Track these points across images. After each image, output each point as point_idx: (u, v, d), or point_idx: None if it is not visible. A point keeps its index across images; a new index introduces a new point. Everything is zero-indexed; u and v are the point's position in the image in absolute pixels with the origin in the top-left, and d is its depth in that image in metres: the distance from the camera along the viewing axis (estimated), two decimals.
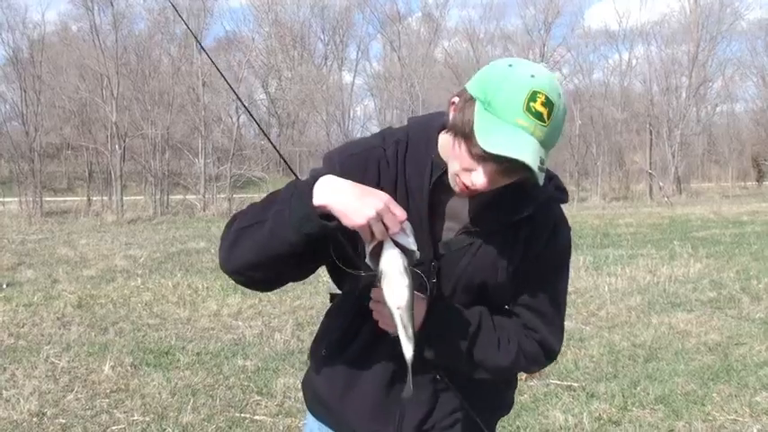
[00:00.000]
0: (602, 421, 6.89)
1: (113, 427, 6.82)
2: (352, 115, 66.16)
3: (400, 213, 2.16)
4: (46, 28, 47.21)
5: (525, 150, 2.10)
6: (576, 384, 7.95)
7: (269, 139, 3.09)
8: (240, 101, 3.14)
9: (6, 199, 38.17)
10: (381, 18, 64.38)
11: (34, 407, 7.22)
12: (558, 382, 7.99)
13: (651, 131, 57.85)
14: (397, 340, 2.24)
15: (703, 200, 51.15)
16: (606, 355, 9.12)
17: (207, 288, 13.54)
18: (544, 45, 57.66)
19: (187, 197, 41.44)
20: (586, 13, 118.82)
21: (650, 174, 56.26)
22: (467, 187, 2.28)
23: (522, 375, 8.11)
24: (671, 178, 55.56)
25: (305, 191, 2.24)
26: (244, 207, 2.52)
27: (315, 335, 2.87)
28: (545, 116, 2.12)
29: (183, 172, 45.88)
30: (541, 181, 2.14)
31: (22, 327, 10.67)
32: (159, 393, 7.68)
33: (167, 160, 42.74)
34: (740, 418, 6.90)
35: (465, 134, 2.19)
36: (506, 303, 2.64)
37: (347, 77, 75.71)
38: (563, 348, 8.04)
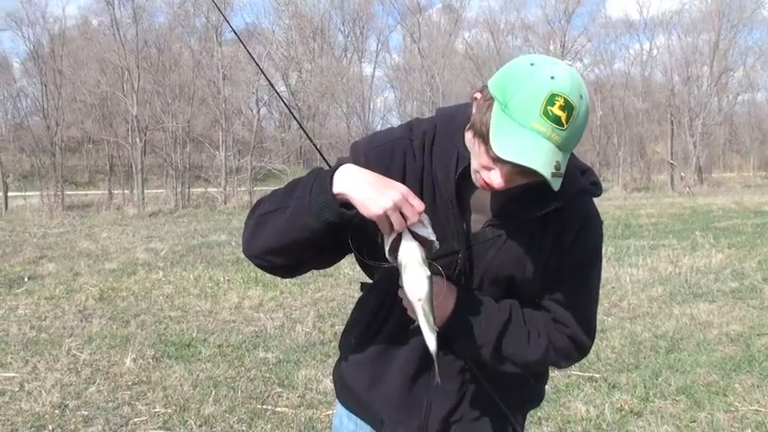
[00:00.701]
0: (623, 412, 6.87)
1: (135, 420, 6.84)
2: (372, 107, 66.08)
3: (418, 205, 2.17)
4: (66, 22, 47.37)
5: (538, 157, 2.09)
6: (597, 375, 7.94)
7: (301, 126, 3.13)
8: (273, 87, 3.19)
9: (28, 193, 38.27)
10: (401, 9, 64.21)
11: (56, 399, 7.26)
12: (580, 373, 7.97)
13: (672, 121, 57.61)
14: (419, 331, 2.24)
15: (725, 190, 50.91)
16: (628, 346, 9.10)
17: (228, 281, 13.57)
18: (565, 35, 57.52)
19: (208, 190, 41.53)
20: (607, 2, 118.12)
21: (671, 164, 56.03)
22: (487, 184, 2.27)
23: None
24: (692, 168, 55.31)
25: (326, 178, 2.25)
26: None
27: (345, 325, 2.88)
28: (563, 120, 2.09)
29: (204, 165, 45.93)
30: (556, 187, 2.11)
31: (44, 320, 10.73)
32: (181, 385, 7.70)
33: (188, 153, 42.82)
34: (762, 409, 6.86)
35: (482, 135, 2.18)
36: (535, 297, 2.61)
37: (367, 69, 75.61)
38: None
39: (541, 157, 2.09)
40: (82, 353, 8.91)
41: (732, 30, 59.81)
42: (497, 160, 2.16)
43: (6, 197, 36.57)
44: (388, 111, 68.44)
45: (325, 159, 2.60)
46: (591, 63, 61.72)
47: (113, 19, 42.90)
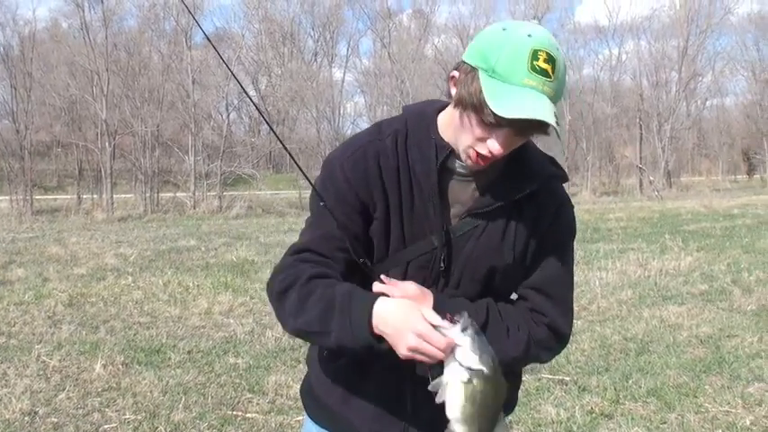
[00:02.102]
0: (594, 415, 6.90)
1: (105, 426, 6.80)
2: (342, 112, 66.03)
3: (437, 341, 2.18)
4: (37, 25, 47.04)
5: (540, 109, 2.18)
6: (567, 378, 7.96)
7: (274, 132, 3.11)
8: (245, 92, 3.16)
9: None
10: (371, 14, 64.45)
11: (26, 406, 7.20)
12: (550, 377, 7.99)
13: (641, 126, 58.00)
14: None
15: (693, 193, 51.23)
16: (598, 349, 9.14)
17: (198, 286, 13.52)
18: None
19: (177, 195, 41.36)
20: (576, 8, 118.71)
21: (640, 168, 56.37)
22: (481, 159, 2.35)
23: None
24: (661, 172, 55.64)
25: (362, 319, 2.29)
26: (282, 277, 2.52)
27: None
28: (550, 72, 2.20)
29: (174, 169, 45.80)
30: (564, 136, 2.24)
31: (14, 326, 10.64)
32: (151, 392, 7.66)
33: (157, 158, 42.66)
34: (733, 410, 6.90)
35: (474, 105, 2.25)
36: (514, 289, 2.64)
37: (337, 74, 75.61)
38: None
39: (543, 108, 2.18)
40: (51, 359, 8.84)
41: (701, 35, 60.18)
42: (496, 125, 2.24)
43: None
44: (358, 115, 68.39)
45: (299, 166, 2.61)
46: None
47: (83, 22, 42.72)
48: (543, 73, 2.18)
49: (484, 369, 2.15)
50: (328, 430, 2.75)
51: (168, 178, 43.77)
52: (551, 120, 2.17)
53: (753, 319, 10.43)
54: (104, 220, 33.35)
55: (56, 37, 49.56)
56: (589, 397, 7.33)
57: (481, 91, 2.21)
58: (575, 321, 8.12)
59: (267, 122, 3.50)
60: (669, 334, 9.77)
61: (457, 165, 2.48)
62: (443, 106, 2.56)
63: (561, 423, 6.69)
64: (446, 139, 2.46)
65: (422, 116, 2.57)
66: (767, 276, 13.55)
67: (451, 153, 2.46)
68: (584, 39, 65.11)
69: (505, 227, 2.52)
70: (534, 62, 2.18)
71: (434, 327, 2.18)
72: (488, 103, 2.18)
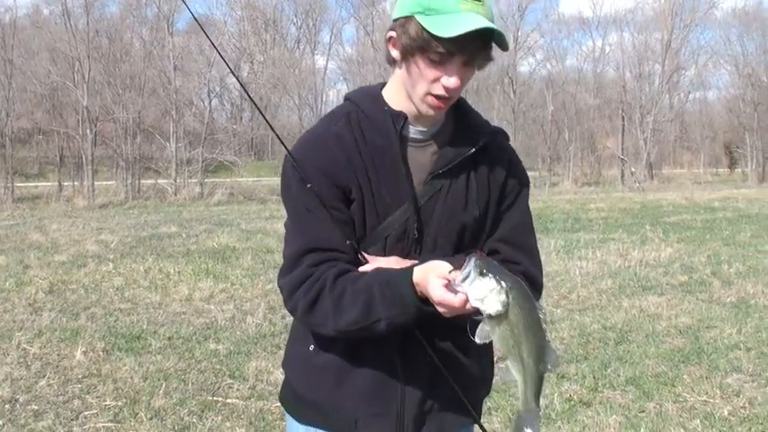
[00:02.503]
0: (572, 402, 6.93)
1: (86, 413, 6.80)
2: (324, 99, 65.92)
3: (451, 303, 2.25)
4: (18, 11, 46.79)
5: (482, 22, 2.31)
6: None
7: (264, 116, 3.11)
8: (236, 75, 3.16)
9: None
10: (355, 2, 64.28)
11: (6, 393, 7.19)
12: None
13: (623, 117, 58.13)
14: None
15: (675, 186, 51.40)
16: (577, 338, 9.18)
17: (178, 272, 13.50)
18: (518, 30, 57.48)
19: (158, 181, 41.19)
20: None
21: (622, 159, 56.53)
22: (440, 101, 2.46)
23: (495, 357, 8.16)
24: (643, 164, 55.74)
25: (408, 292, 2.36)
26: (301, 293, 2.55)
27: (290, 338, 2.87)
28: None
29: (155, 156, 45.57)
30: (511, 42, 2.31)
31: None
32: (131, 378, 7.67)
33: (139, 144, 42.48)
34: (711, 400, 6.95)
35: (421, 45, 2.38)
36: (483, 244, 2.70)
37: (320, 61, 75.50)
38: None
39: (483, 23, 2.31)
40: (32, 346, 8.82)
41: (685, 29, 60.33)
42: (445, 59, 2.37)
43: None
44: (339, 103, 68.25)
45: (288, 151, 2.63)
46: (543, 59, 62.14)
47: (65, 8, 42.43)
48: None
49: (499, 308, 2.17)
50: (318, 428, 2.74)
51: (149, 165, 43.58)
52: (494, 25, 2.33)
53: (732, 311, 10.49)
54: (85, 207, 33.21)
55: (37, 23, 49.31)
56: (568, 385, 7.37)
57: (423, 29, 2.34)
58: (554, 310, 8.21)
59: (257, 107, 3.50)
60: (648, 324, 9.82)
61: (412, 131, 2.60)
62: (383, 84, 2.72)
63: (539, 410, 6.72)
64: (398, 107, 2.58)
65: (369, 95, 2.71)
66: (746, 269, 13.63)
67: (406, 121, 2.56)
68: (567, 30, 65.53)
69: (467, 183, 2.62)
70: None
71: (449, 284, 2.22)
72: (432, 32, 2.32)
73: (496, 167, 2.69)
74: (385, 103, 2.62)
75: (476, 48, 2.37)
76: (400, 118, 2.55)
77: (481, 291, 2.15)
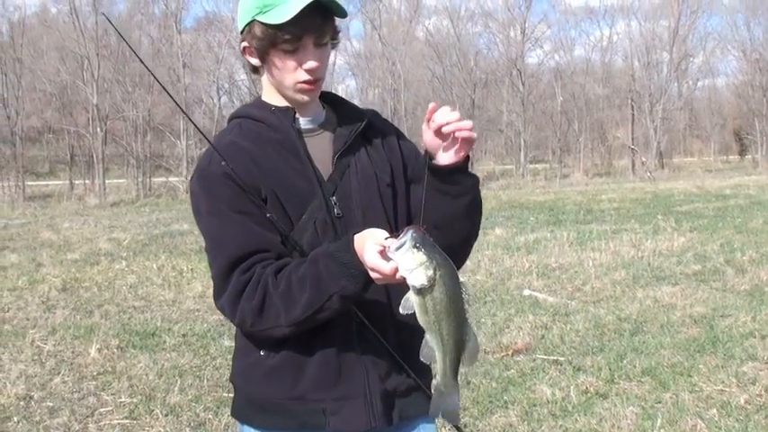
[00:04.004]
0: (589, 394, 6.91)
1: (101, 410, 6.81)
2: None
3: (384, 270, 2.29)
4: (26, 10, 46.83)
5: None
6: (562, 359, 7.98)
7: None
8: (152, 72, 3.18)
9: None
10: None
11: (21, 390, 7.21)
12: (545, 357, 8.02)
13: (633, 107, 57.90)
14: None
15: (686, 174, 51.30)
16: (592, 330, 9.15)
17: (191, 270, 13.52)
18: (525, 21, 57.29)
19: (170, 179, 41.29)
20: None
21: (632, 149, 56.33)
22: (310, 84, 2.61)
23: (508, 350, 8.16)
24: (653, 153, 55.55)
25: (352, 261, 2.39)
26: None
27: (236, 352, 2.82)
28: None
29: (165, 154, 45.73)
30: (341, 9, 2.55)
31: (7, 311, 10.66)
32: (146, 375, 7.68)
33: (149, 142, 42.61)
34: (727, 389, 6.92)
35: (270, 41, 2.54)
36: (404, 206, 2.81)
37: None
38: (549, 323, 8.01)
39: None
40: (46, 344, 8.85)
41: (692, 16, 60.08)
42: (296, 45, 2.53)
43: None
44: (349, 98, 67.29)
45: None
46: (551, 50, 61.79)
47: (73, 7, 42.48)
48: None
49: (424, 282, 2.21)
50: (279, 429, 2.69)
51: (160, 163, 43.70)
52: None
53: (746, 299, 10.45)
54: (97, 205, 33.29)
55: (45, 22, 49.37)
56: (584, 377, 7.35)
57: (265, 26, 2.51)
58: (568, 302, 8.21)
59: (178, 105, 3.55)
60: (663, 314, 9.79)
61: (302, 122, 2.72)
62: (259, 96, 2.83)
63: (556, 403, 6.71)
64: (276, 103, 2.71)
65: (251, 105, 2.86)
66: (760, 256, 13.57)
67: (295, 114, 2.69)
68: (575, 19, 65.15)
69: (368, 156, 2.76)
70: None
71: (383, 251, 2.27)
72: (272, 23, 2.48)
73: (387, 138, 2.86)
74: (270, 105, 2.73)
75: (317, 24, 2.52)
76: (289, 111, 2.69)
77: (411, 263, 2.20)
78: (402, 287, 2.28)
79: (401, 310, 2.30)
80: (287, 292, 2.45)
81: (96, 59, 39.81)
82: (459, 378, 2.43)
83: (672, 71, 58.38)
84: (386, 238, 2.27)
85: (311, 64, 2.56)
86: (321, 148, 2.70)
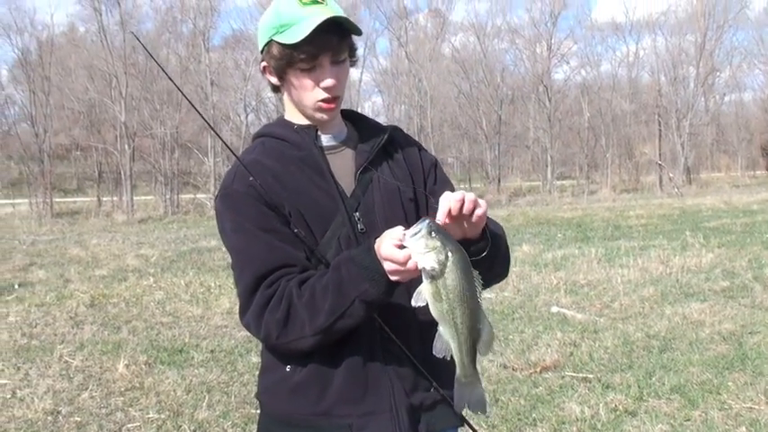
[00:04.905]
0: (618, 412, 6.88)
1: (129, 425, 6.84)
2: (360, 111, 66.03)
3: (397, 258, 2.30)
4: (54, 29, 47.18)
5: (325, 15, 2.50)
6: (591, 376, 7.94)
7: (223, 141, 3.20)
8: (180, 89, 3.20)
9: (16, 200, 38.30)
10: (388, 14, 64.04)
11: (49, 405, 7.25)
12: (574, 374, 7.98)
13: (660, 122, 57.67)
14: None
15: (713, 190, 51.00)
16: (621, 347, 9.10)
17: (219, 286, 13.56)
18: (551, 38, 57.32)
19: (197, 196, 41.44)
20: (593, 5, 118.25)
21: (660, 165, 56.09)
22: (329, 103, 2.65)
23: (537, 367, 8.13)
24: (680, 169, 55.33)
25: (372, 264, 2.39)
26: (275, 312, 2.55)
27: (262, 369, 2.82)
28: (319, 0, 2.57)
29: (193, 171, 45.96)
30: (360, 25, 2.56)
31: (35, 327, 10.72)
32: (174, 391, 7.70)
33: (177, 159, 42.80)
34: (756, 406, 6.87)
35: (287, 61, 2.59)
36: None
37: (355, 74, 75.53)
38: (577, 340, 7.96)
39: (326, 13, 2.52)
40: (74, 359, 8.89)
41: (718, 30, 59.88)
42: (313, 63, 2.57)
43: None
44: (376, 115, 68.10)
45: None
46: (578, 65, 61.79)
47: (101, 26, 42.82)
48: (314, 3, 2.55)
49: (434, 266, 2.23)
50: None
51: (188, 180, 43.89)
52: (337, 12, 2.53)
53: None
54: (124, 221, 33.47)
55: (73, 41, 49.75)
56: (613, 394, 7.31)
57: (282, 45, 2.56)
58: (597, 319, 8.16)
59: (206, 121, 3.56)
60: (692, 331, 9.73)
61: (324, 140, 2.76)
62: (282, 115, 2.88)
63: (585, 421, 6.68)
64: (297, 121, 2.76)
65: (274, 123, 2.89)
66: None
67: (317, 131, 2.74)
68: (601, 35, 65.13)
69: (390, 171, 2.79)
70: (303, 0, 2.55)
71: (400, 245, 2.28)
72: (289, 43, 2.53)
73: (408, 152, 2.89)
74: (292, 124, 2.77)
75: (333, 43, 2.56)
76: (311, 129, 2.73)
77: (423, 247, 2.22)
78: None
79: (413, 303, 2.32)
80: (311, 301, 2.47)
81: (124, 77, 40.09)
82: (478, 367, 2.43)
83: (698, 86, 58.19)
84: (403, 233, 2.28)
85: (328, 82, 2.60)
86: (343, 165, 2.73)
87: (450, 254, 2.23)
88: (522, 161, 62.84)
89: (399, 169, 2.82)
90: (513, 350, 8.95)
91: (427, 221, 2.24)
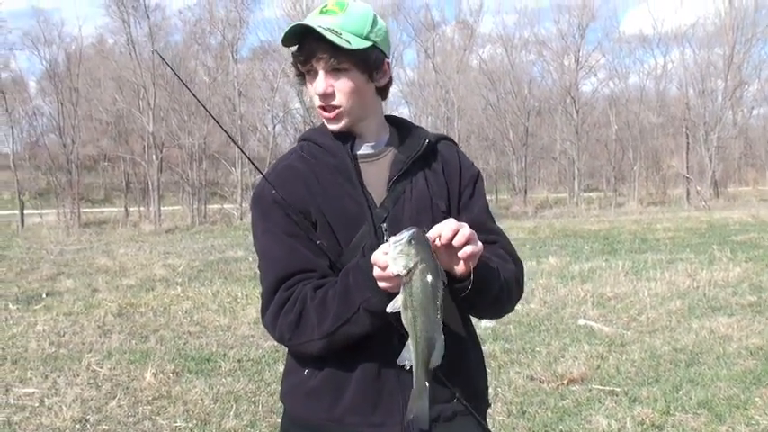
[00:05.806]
0: (644, 426, 6.86)
1: None
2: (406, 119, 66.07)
3: (380, 262, 2.36)
4: (83, 41, 47.41)
5: (311, 22, 2.57)
6: (618, 389, 7.92)
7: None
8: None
9: (44, 211, 38.48)
10: (415, 26, 64.10)
11: (77, 414, 7.30)
12: (601, 387, 7.97)
13: (687, 135, 57.38)
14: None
15: (741, 204, 50.66)
16: (648, 360, 9.08)
17: (246, 296, 13.60)
18: (579, 50, 57.17)
19: (224, 206, 41.55)
20: (621, 17, 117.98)
21: (687, 178, 55.80)
22: (325, 110, 2.70)
23: (563, 379, 8.11)
24: (708, 182, 55.01)
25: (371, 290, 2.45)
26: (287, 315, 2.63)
27: (285, 371, 2.89)
28: (336, 10, 2.61)
29: (220, 181, 46.09)
30: (335, 39, 2.54)
31: (63, 335, 10.78)
32: (201, 400, 7.73)
33: (204, 170, 42.95)
34: None
35: (293, 62, 2.72)
36: None
37: None
38: (604, 353, 7.98)
39: (308, 21, 2.58)
40: (101, 368, 8.95)
41: (746, 43, 59.48)
42: (307, 69, 2.68)
43: (23, 215, 36.73)
44: None
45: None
46: (606, 78, 61.52)
47: (129, 37, 43.08)
48: (325, 12, 2.61)
49: (400, 269, 2.27)
50: None
51: (215, 190, 44.02)
52: (313, 23, 2.56)
53: None
54: (152, 231, 33.58)
55: (102, 53, 50.05)
56: (640, 408, 7.29)
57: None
58: (624, 332, 8.17)
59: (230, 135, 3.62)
60: (719, 345, 9.69)
61: (362, 149, 2.79)
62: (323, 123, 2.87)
63: None
64: (333, 137, 2.78)
65: (316, 129, 2.89)
66: None
67: (354, 140, 2.78)
68: (629, 48, 64.58)
69: (426, 182, 2.79)
70: (323, 8, 2.62)
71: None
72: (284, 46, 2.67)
73: (449, 164, 2.88)
74: (327, 131, 2.79)
75: (319, 49, 2.59)
76: (348, 137, 2.76)
77: (398, 252, 2.27)
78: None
79: (388, 309, 2.36)
80: (321, 305, 2.53)
81: (152, 88, 40.27)
82: (429, 380, 2.43)
83: (726, 99, 57.86)
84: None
85: (317, 88, 2.64)
86: (378, 174, 2.76)
87: (419, 262, 2.27)
88: (549, 173, 62.63)
89: (436, 180, 2.81)
90: (540, 362, 8.94)
91: (414, 230, 2.29)
